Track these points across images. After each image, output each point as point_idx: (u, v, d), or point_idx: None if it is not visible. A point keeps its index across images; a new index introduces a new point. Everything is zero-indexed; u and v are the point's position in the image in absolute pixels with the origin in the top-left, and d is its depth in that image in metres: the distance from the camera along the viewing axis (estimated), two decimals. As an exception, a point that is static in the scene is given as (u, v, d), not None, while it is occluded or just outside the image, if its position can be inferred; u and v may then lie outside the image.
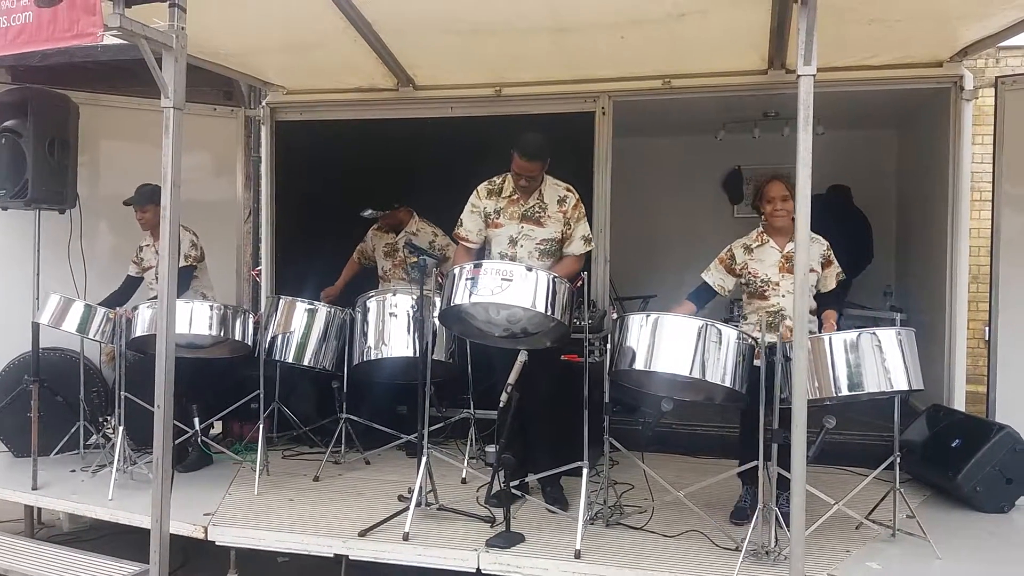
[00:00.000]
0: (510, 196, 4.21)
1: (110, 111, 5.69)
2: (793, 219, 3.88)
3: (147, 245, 5.13)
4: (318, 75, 5.74)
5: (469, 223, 4.28)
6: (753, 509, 3.55)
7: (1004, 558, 3.60)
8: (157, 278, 4.94)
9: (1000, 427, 4.24)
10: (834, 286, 4.02)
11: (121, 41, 3.35)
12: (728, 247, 4.06)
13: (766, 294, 3.92)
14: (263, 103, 6.16)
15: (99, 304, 4.87)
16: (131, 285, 5.20)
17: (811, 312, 3.83)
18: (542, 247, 4.18)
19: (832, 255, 3.99)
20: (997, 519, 4.06)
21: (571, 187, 4.29)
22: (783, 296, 3.88)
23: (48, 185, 4.61)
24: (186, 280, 4.99)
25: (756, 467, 3.49)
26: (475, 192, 4.29)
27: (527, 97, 5.53)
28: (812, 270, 3.86)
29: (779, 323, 3.75)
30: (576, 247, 4.23)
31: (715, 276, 4.06)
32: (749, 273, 3.96)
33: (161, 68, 3.40)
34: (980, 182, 6.47)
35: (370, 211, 5.28)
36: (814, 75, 2.92)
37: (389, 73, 5.52)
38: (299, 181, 6.10)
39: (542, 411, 4.12)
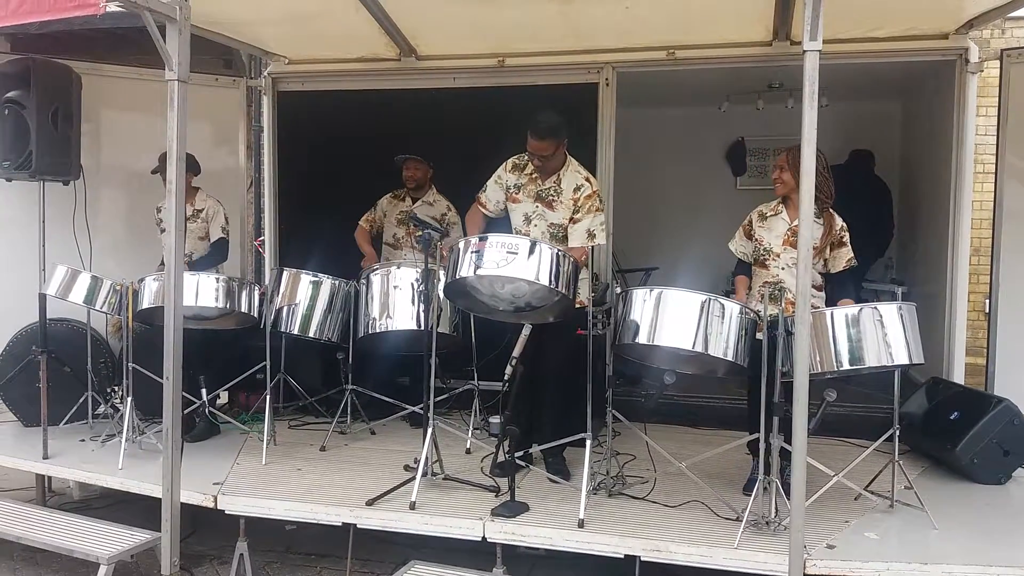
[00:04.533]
0: (531, 174, 4.17)
1: (112, 81, 5.66)
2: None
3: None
4: (320, 45, 5.71)
5: (491, 192, 4.27)
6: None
7: (1000, 528, 3.65)
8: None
9: (998, 400, 4.28)
10: (842, 267, 3.90)
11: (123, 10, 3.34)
12: (749, 214, 4.07)
13: (767, 263, 3.94)
14: (264, 73, 6.15)
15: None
16: None
17: (816, 287, 3.83)
18: (552, 231, 4.11)
19: (847, 237, 3.87)
20: (994, 490, 4.11)
21: (592, 177, 4.16)
22: (782, 268, 3.89)
23: (52, 156, 4.62)
24: (223, 251, 5.14)
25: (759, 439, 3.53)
26: (504, 163, 4.25)
27: (530, 68, 5.50)
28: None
29: (780, 296, 3.75)
30: (577, 238, 4.02)
31: (737, 244, 4.09)
32: (757, 240, 3.98)
33: (165, 39, 3.39)
34: (983, 154, 6.44)
35: (402, 156, 5.23)
36: (820, 51, 2.90)
37: (391, 43, 5.49)
38: (301, 151, 6.10)
39: (555, 383, 4.15)
